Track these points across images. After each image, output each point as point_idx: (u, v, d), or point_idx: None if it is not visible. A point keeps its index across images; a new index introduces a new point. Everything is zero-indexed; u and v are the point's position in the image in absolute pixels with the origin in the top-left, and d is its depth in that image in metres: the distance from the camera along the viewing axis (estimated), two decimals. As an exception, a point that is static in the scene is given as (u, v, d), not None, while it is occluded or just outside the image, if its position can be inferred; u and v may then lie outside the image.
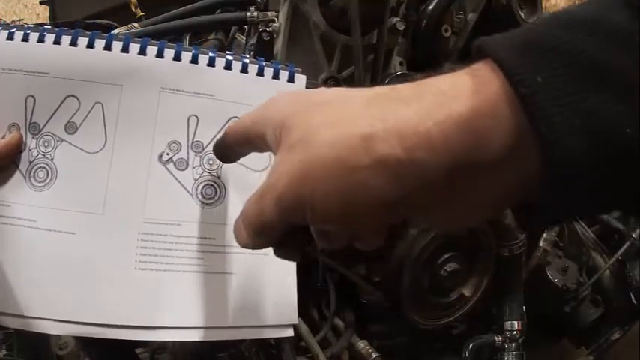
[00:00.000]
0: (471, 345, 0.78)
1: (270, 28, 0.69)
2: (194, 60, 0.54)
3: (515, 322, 0.79)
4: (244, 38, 0.79)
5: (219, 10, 0.76)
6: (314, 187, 0.31)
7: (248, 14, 0.70)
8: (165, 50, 0.54)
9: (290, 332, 0.55)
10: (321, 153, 0.31)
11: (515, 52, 0.27)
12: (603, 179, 0.27)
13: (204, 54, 0.55)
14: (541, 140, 0.26)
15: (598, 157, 0.26)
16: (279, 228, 0.35)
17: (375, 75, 0.72)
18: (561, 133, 0.26)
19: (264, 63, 0.57)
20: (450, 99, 0.29)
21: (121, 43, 0.53)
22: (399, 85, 0.32)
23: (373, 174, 0.29)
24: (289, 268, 0.56)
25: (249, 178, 0.55)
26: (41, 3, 1.40)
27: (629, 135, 0.26)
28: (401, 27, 0.72)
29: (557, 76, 0.26)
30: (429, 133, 0.28)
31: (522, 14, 0.79)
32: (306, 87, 0.60)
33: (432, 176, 0.29)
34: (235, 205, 0.55)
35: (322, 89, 0.37)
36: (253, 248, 0.39)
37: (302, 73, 0.59)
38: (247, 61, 0.56)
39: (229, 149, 0.45)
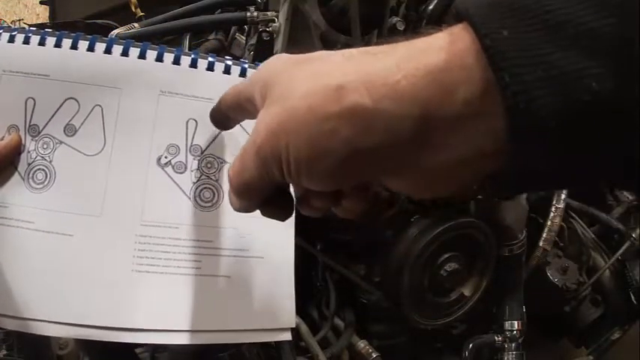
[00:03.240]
0: (471, 345, 0.78)
1: (270, 28, 0.69)
2: (193, 64, 0.54)
3: (515, 322, 0.79)
4: (244, 38, 0.79)
5: (219, 10, 0.76)
6: (288, 137, 0.32)
7: (248, 14, 0.70)
8: (165, 54, 0.54)
9: (288, 336, 0.55)
10: (296, 104, 0.32)
11: (484, 10, 0.28)
12: (570, 138, 0.27)
13: (204, 58, 0.55)
14: (504, 89, 0.26)
15: (562, 110, 0.26)
16: (261, 185, 0.36)
17: (375, 75, 0.72)
18: (525, 82, 0.26)
19: None
20: (420, 53, 0.29)
21: (121, 46, 0.53)
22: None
23: (343, 122, 0.30)
24: (288, 271, 0.56)
25: None
26: (41, 3, 1.40)
27: (594, 89, 0.25)
28: (401, 27, 0.72)
29: (523, 33, 0.27)
30: (396, 85, 0.29)
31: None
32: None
33: (398, 127, 0.29)
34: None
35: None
36: (243, 211, 0.39)
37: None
38: (246, 65, 0.56)
39: (223, 114, 0.46)
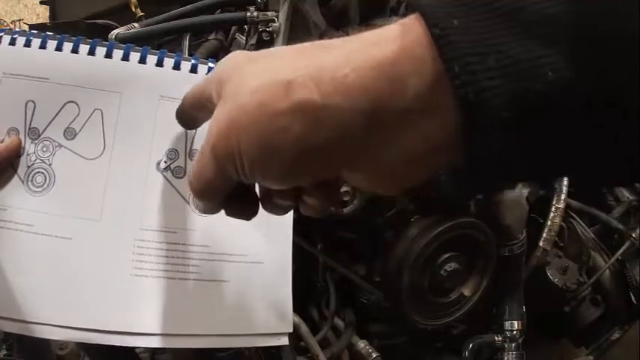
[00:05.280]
0: (471, 345, 0.78)
1: (270, 28, 0.69)
2: (193, 69, 0.54)
3: (515, 322, 0.79)
4: (244, 38, 0.79)
5: (219, 10, 0.76)
6: (239, 135, 0.31)
7: (248, 14, 0.70)
8: (165, 59, 0.54)
9: (285, 341, 0.55)
10: (246, 100, 0.31)
11: (436, 1, 0.27)
12: (530, 129, 0.26)
13: (204, 64, 0.55)
14: (454, 80, 0.25)
15: (516, 101, 0.25)
16: (220, 185, 0.36)
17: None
18: (475, 72, 0.25)
19: None
20: (370, 45, 0.29)
21: (122, 51, 0.53)
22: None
23: (292, 119, 0.29)
24: (285, 276, 0.56)
25: None
26: (41, 3, 1.40)
27: (549, 78, 0.24)
28: (401, 27, 0.72)
29: (475, 21, 0.26)
30: (345, 78, 0.28)
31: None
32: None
33: (349, 122, 0.29)
34: None
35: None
36: (208, 213, 0.39)
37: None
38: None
39: (187, 114, 0.45)
